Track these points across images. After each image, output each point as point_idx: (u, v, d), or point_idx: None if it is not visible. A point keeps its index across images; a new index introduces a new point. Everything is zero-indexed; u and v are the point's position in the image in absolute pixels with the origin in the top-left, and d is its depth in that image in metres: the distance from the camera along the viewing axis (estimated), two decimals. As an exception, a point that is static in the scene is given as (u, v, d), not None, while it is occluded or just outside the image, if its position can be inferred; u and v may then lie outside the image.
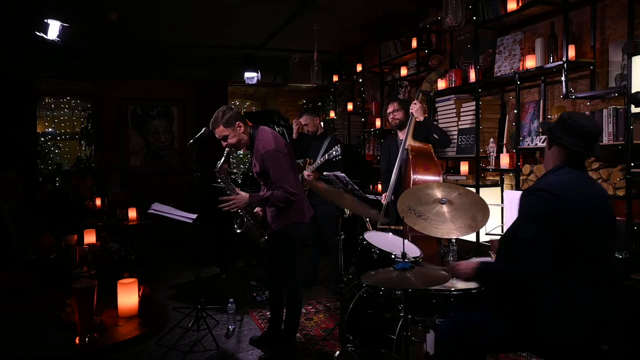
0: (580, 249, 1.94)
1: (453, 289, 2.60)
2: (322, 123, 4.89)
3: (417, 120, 3.94)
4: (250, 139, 3.23)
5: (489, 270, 2.13)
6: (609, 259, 2.08)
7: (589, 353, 1.93)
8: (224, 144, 3.22)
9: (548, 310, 1.91)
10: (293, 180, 3.17)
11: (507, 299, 2.05)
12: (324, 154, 4.65)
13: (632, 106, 2.90)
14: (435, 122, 4.40)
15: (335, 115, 7.25)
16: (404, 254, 2.32)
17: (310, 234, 4.62)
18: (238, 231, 3.38)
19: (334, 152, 4.34)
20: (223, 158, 3.30)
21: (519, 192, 3.28)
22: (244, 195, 3.20)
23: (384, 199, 4.06)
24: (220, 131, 3.16)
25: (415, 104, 3.93)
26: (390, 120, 4.18)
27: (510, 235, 2.08)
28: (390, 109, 4.14)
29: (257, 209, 3.42)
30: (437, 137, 3.93)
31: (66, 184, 5.61)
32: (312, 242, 4.85)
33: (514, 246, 2.00)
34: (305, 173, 4.49)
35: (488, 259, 2.79)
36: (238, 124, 3.17)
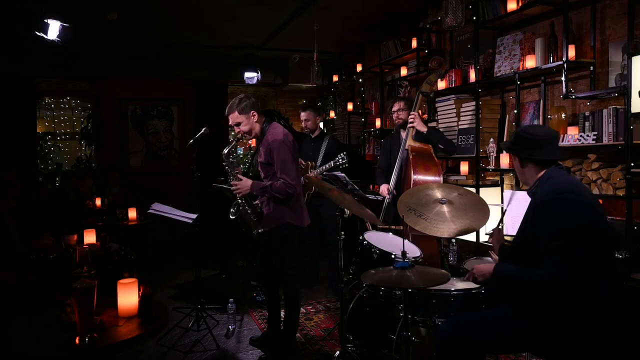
0: (602, 245, 1.95)
1: (453, 289, 2.60)
2: (321, 124, 4.87)
3: (421, 131, 3.92)
4: (261, 130, 3.33)
5: (511, 275, 2.07)
6: (612, 258, 2.10)
7: (596, 353, 1.94)
8: (237, 129, 3.31)
9: (579, 312, 1.91)
10: (295, 174, 3.22)
11: (529, 299, 2.02)
12: (324, 155, 4.64)
13: (632, 106, 2.90)
14: (438, 129, 4.37)
15: (335, 115, 7.25)
16: (404, 254, 2.31)
17: (312, 234, 4.62)
18: (232, 217, 3.42)
19: (340, 160, 4.31)
20: (232, 145, 3.40)
21: (519, 192, 3.29)
22: (247, 181, 3.27)
23: (384, 192, 4.04)
24: (235, 117, 3.25)
25: (413, 115, 3.90)
26: (394, 118, 4.17)
27: (530, 242, 2.04)
28: (395, 108, 4.12)
29: (256, 202, 3.43)
30: (442, 147, 3.92)
31: (66, 184, 5.60)
32: (313, 242, 4.85)
33: (539, 253, 1.96)
34: (309, 175, 4.46)
35: (487, 259, 2.79)
36: (253, 113, 3.26)
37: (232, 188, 3.28)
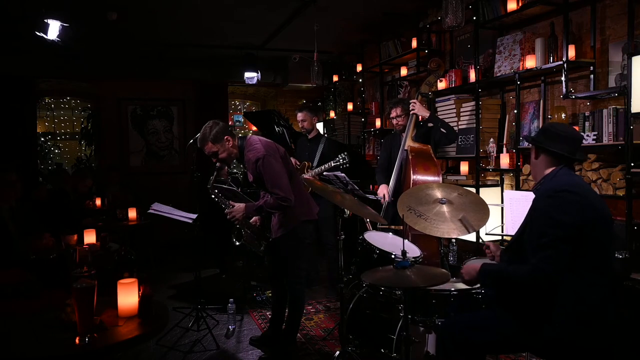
0: (601, 247, 1.95)
1: (453, 289, 2.60)
2: (318, 125, 4.88)
3: (423, 117, 3.94)
4: (239, 151, 3.19)
5: (497, 271, 2.09)
6: (612, 259, 2.10)
7: (594, 353, 1.93)
8: (214, 160, 3.17)
9: (569, 311, 1.91)
10: (287, 184, 3.08)
11: (518, 299, 2.04)
12: (320, 156, 4.65)
13: (632, 106, 2.90)
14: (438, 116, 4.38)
15: (335, 115, 7.25)
16: (404, 253, 2.31)
17: (312, 233, 4.61)
18: (237, 244, 3.37)
19: (341, 160, 4.31)
20: (214, 174, 3.27)
21: (519, 192, 3.29)
22: (240, 206, 3.19)
23: (380, 193, 4.06)
24: (209, 148, 3.10)
25: (414, 102, 3.92)
26: (394, 124, 4.17)
27: (526, 237, 2.04)
28: (393, 114, 4.11)
29: (253, 219, 3.40)
30: (444, 131, 3.88)
31: (61, 183, 5.57)
32: (312, 242, 4.84)
33: (531, 249, 1.97)
34: (305, 177, 4.47)
35: (487, 259, 2.79)
36: (226, 138, 3.11)
37: (227, 217, 3.20)
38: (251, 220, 3.39)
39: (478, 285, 2.47)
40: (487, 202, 2.69)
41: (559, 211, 1.91)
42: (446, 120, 4.51)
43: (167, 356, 3.43)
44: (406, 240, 2.47)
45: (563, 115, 3.52)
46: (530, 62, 3.67)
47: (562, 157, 2.09)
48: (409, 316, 2.40)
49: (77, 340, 1.90)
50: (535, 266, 1.91)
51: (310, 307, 4.45)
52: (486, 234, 3.64)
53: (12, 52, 6.13)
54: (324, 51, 6.33)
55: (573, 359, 1.94)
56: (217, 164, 3.21)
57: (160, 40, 6.29)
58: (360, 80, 6.47)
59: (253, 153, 3.10)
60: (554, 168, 2.11)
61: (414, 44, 5.10)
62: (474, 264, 2.20)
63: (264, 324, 3.98)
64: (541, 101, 3.81)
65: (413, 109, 3.90)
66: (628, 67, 2.94)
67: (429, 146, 3.90)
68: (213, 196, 3.30)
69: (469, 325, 2.13)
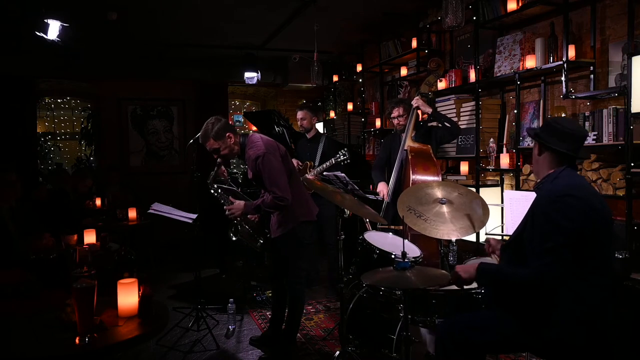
0: (601, 248, 1.95)
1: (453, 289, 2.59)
2: (317, 124, 4.87)
3: (426, 113, 3.96)
4: (241, 148, 3.20)
5: (496, 272, 2.09)
6: (612, 259, 2.10)
7: (594, 354, 1.93)
8: (216, 156, 3.17)
9: (570, 312, 1.91)
10: (285, 183, 3.07)
11: (516, 300, 2.03)
12: (321, 155, 4.64)
13: (632, 106, 2.90)
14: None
15: (335, 115, 7.25)
16: (404, 254, 2.31)
17: (312, 233, 4.61)
18: (234, 239, 3.38)
19: (341, 157, 4.31)
20: (215, 169, 3.27)
21: (519, 192, 3.30)
22: (240, 203, 3.20)
23: (379, 190, 4.06)
24: (211, 144, 3.10)
25: (417, 99, 3.93)
26: (395, 124, 4.17)
27: (528, 239, 2.03)
28: (395, 114, 4.11)
29: (251, 215, 3.41)
30: (448, 125, 3.91)
31: (62, 183, 5.57)
32: (313, 242, 4.84)
33: (532, 252, 1.96)
34: (308, 177, 4.47)
35: (487, 258, 2.79)
36: (228, 135, 3.11)
37: (226, 213, 3.21)
38: (249, 217, 3.39)
39: (469, 286, 2.48)
40: (487, 202, 2.69)
41: (562, 217, 1.91)
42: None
43: (167, 356, 3.43)
44: (406, 240, 2.47)
45: (563, 115, 3.52)
46: (530, 62, 3.67)
47: (566, 155, 2.08)
48: (409, 316, 2.40)
49: (77, 340, 1.90)
50: (538, 271, 1.90)
51: (310, 307, 4.45)
52: (486, 234, 3.64)
53: (12, 52, 6.12)
54: (324, 51, 6.33)
55: (573, 359, 1.94)
56: (219, 160, 3.22)
57: (160, 40, 6.29)
58: (360, 80, 6.47)
59: (254, 150, 3.11)
60: (556, 168, 2.10)
61: (414, 44, 5.10)
62: (471, 262, 2.20)
63: (264, 324, 3.98)
64: (541, 101, 3.81)
65: (417, 104, 3.92)
66: (628, 67, 2.94)
67: (429, 146, 3.90)
68: (212, 191, 3.30)
69: (469, 325, 2.13)
